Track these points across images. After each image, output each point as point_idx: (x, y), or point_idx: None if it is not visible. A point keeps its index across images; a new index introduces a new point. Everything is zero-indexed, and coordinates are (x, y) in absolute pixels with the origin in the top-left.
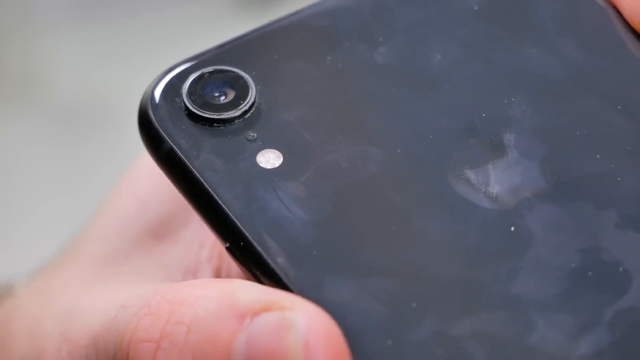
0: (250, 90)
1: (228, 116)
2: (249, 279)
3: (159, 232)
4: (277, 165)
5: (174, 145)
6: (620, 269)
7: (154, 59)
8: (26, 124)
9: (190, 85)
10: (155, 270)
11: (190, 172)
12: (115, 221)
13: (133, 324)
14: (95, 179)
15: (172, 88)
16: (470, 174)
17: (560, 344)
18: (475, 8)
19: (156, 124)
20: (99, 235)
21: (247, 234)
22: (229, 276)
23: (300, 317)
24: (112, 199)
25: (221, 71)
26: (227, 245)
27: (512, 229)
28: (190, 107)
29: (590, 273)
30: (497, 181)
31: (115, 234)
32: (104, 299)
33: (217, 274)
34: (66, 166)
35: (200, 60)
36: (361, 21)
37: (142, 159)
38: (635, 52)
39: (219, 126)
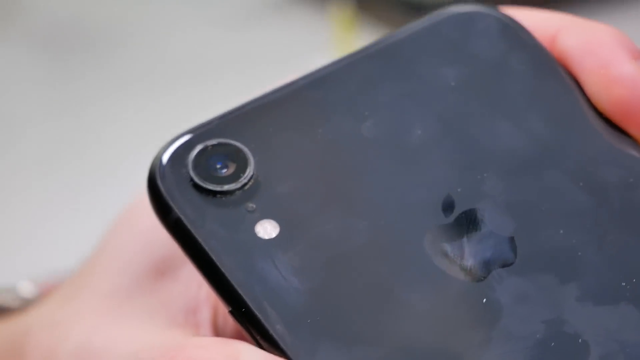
0: (249, 162)
1: (229, 188)
2: (248, 340)
3: (161, 269)
4: (273, 235)
5: (181, 214)
6: (580, 340)
7: None
8: (8, 49)
9: (194, 158)
10: (159, 310)
11: (196, 240)
12: (119, 257)
13: None
14: (84, 108)
15: (178, 158)
16: (447, 247)
17: None
18: (452, 84)
19: (165, 193)
20: (104, 270)
21: (247, 302)
22: (225, 315)
23: None
24: (114, 233)
25: (223, 144)
26: (230, 309)
27: (484, 300)
28: (196, 180)
29: (552, 344)
30: (471, 254)
31: (120, 270)
32: (117, 342)
33: (215, 312)
34: (53, 94)
35: (204, 131)
36: (349, 95)
37: (144, 193)
38: (596, 129)
39: (221, 197)
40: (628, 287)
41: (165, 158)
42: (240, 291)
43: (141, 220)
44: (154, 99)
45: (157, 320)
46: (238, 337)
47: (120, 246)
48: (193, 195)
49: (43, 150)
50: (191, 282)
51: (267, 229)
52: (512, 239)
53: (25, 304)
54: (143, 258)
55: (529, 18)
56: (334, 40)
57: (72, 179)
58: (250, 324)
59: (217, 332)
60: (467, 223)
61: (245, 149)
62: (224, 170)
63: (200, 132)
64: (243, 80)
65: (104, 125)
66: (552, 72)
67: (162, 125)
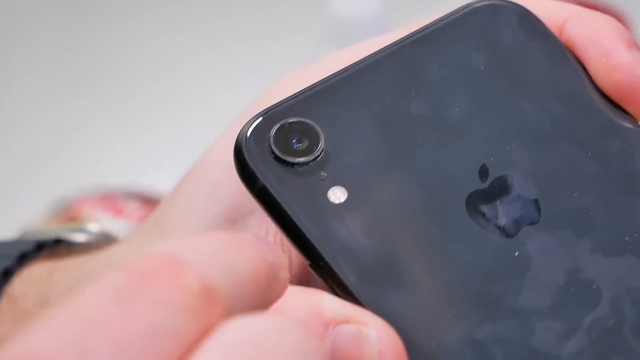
0: (320, 138)
1: (305, 160)
2: (325, 289)
3: (231, 217)
4: (343, 200)
5: (266, 183)
6: (594, 286)
7: None
8: None
9: (275, 134)
10: None
11: (279, 205)
12: (194, 206)
13: None
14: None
15: (260, 135)
16: (484, 209)
17: (553, 345)
18: (482, 67)
19: (251, 165)
20: (181, 216)
21: (325, 257)
22: (290, 258)
23: (373, 332)
24: (187, 185)
25: (298, 122)
26: (309, 263)
27: (516, 253)
28: (277, 153)
29: (572, 289)
30: (504, 214)
31: (197, 217)
32: None
33: None
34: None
35: (281, 111)
36: (398, 77)
37: (213, 148)
38: (600, 108)
39: (298, 168)
40: (630, 241)
41: (249, 134)
42: (318, 248)
43: (211, 174)
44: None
45: None
46: (303, 281)
47: (194, 197)
48: (275, 166)
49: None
50: (259, 230)
51: (337, 195)
52: (536, 201)
53: (96, 238)
54: (216, 207)
55: (540, 7)
56: None
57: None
58: (327, 276)
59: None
60: (500, 188)
61: (317, 126)
62: (300, 145)
63: (278, 111)
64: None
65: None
66: (563, 58)
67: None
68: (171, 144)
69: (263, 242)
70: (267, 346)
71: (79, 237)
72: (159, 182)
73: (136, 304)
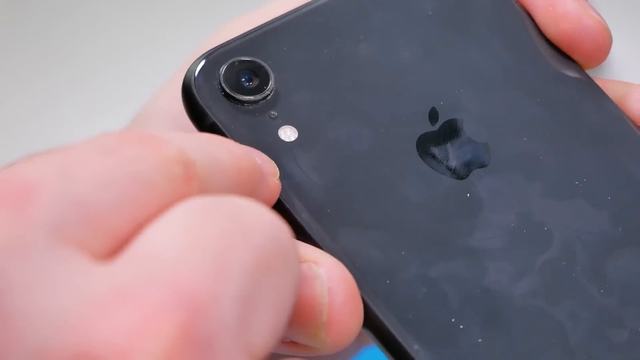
0: (270, 77)
1: (255, 99)
2: None
3: None
4: (293, 139)
5: (216, 120)
6: (545, 228)
7: None
8: None
9: (225, 72)
10: None
11: None
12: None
13: None
14: None
15: (210, 72)
16: (435, 151)
17: (506, 284)
18: (429, 13)
19: (200, 102)
20: None
21: (278, 195)
22: None
23: (323, 269)
24: (145, 117)
25: (248, 61)
26: None
27: (468, 195)
28: (227, 90)
29: (524, 231)
30: (454, 157)
31: None
32: None
33: None
34: None
35: (231, 49)
36: (347, 20)
37: (156, 98)
38: (547, 55)
39: (248, 106)
40: (580, 185)
41: (198, 72)
42: None
43: (157, 123)
44: None
45: None
46: None
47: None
48: (224, 103)
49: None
50: None
51: (287, 133)
52: (486, 145)
53: None
54: None
55: None
56: None
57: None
58: (280, 213)
59: None
60: (450, 131)
61: (266, 65)
62: (250, 84)
63: (227, 50)
64: None
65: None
66: (510, 7)
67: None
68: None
69: (252, 149)
70: (241, 215)
71: None
72: None
73: (120, 155)
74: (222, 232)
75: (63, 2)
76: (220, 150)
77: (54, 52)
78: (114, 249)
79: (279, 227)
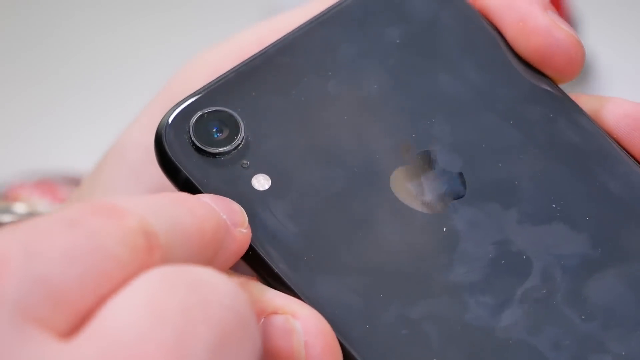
0: (240, 125)
1: (226, 150)
2: (256, 278)
3: None
4: (267, 187)
5: (189, 175)
6: (524, 257)
7: None
8: None
9: (194, 125)
10: None
11: None
12: (114, 188)
13: None
14: None
15: (179, 126)
16: (410, 186)
17: (487, 318)
18: (397, 41)
19: (173, 158)
20: (103, 197)
21: (253, 246)
22: None
23: (299, 323)
24: (107, 165)
25: (216, 111)
26: None
27: (444, 229)
28: (198, 144)
29: (502, 261)
30: (429, 190)
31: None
32: None
33: None
34: None
35: (198, 101)
36: (313, 57)
37: (131, 128)
38: (519, 73)
39: (220, 157)
40: (558, 207)
41: (168, 127)
42: None
43: (131, 156)
44: None
45: None
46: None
47: (114, 180)
48: (197, 158)
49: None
50: None
51: (261, 182)
52: (461, 174)
53: (19, 219)
54: (138, 189)
55: None
56: None
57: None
58: (257, 265)
59: None
60: (423, 164)
61: (235, 114)
62: (220, 134)
63: (195, 102)
64: None
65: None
66: (478, 25)
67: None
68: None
69: (219, 200)
70: (201, 288)
71: (6, 218)
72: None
73: (83, 228)
74: (182, 308)
75: (59, 6)
76: (183, 214)
77: (50, 57)
78: (78, 325)
79: (239, 297)
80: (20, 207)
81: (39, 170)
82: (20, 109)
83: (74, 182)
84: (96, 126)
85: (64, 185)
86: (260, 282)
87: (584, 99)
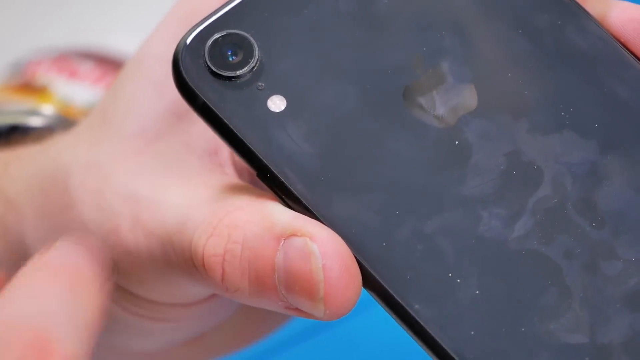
0: (254, 48)
1: (242, 73)
2: (274, 198)
3: (177, 111)
4: (282, 108)
5: (206, 99)
6: (535, 166)
7: None
8: None
9: (209, 49)
10: (187, 151)
11: (222, 120)
12: (138, 101)
13: (203, 241)
14: None
15: (195, 51)
16: (422, 100)
17: (500, 230)
18: None
19: (190, 83)
20: (127, 112)
21: (271, 168)
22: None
23: (317, 245)
24: (129, 78)
25: (230, 34)
26: (257, 173)
27: (457, 142)
28: (213, 68)
29: (514, 172)
30: (441, 104)
31: (143, 113)
32: (165, 194)
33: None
34: None
35: (212, 23)
36: None
37: (150, 41)
38: None
39: (236, 80)
40: (567, 115)
41: (184, 53)
42: (264, 160)
43: (152, 70)
44: None
45: (190, 165)
46: (250, 173)
47: (137, 93)
48: (213, 82)
49: None
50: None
51: (276, 103)
52: (472, 86)
53: (47, 122)
54: (161, 103)
55: None
56: None
57: None
58: (275, 186)
59: (236, 167)
60: (434, 77)
61: (249, 36)
62: (235, 57)
63: (209, 25)
64: None
65: None
66: None
67: None
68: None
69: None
70: None
71: (35, 122)
72: (112, 41)
73: None
74: None
75: None
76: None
77: None
78: None
79: None
80: (47, 109)
81: (57, 47)
82: None
83: (92, 57)
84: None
85: (81, 61)
86: (280, 202)
87: (590, 3)
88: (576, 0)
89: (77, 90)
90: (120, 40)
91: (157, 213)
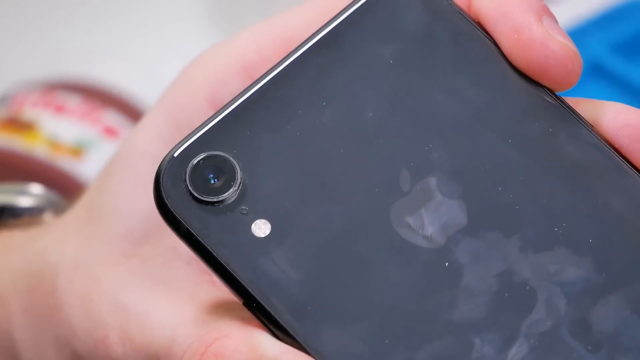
0: (236, 170)
1: (224, 197)
2: (262, 327)
3: None
4: (267, 233)
5: (189, 226)
6: (527, 287)
7: None
8: None
9: (189, 174)
10: (170, 256)
11: (205, 248)
12: (124, 199)
13: None
14: None
15: (176, 175)
16: (410, 220)
17: (493, 357)
18: (390, 62)
19: (172, 210)
20: (112, 209)
21: (257, 298)
22: None
23: None
24: (115, 173)
25: (211, 157)
26: (243, 302)
27: (447, 264)
28: (195, 194)
29: (506, 294)
30: (429, 223)
31: (128, 211)
32: (152, 309)
33: None
34: None
35: (193, 144)
36: (305, 88)
37: (135, 137)
38: (516, 86)
39: (218, 205)
40: (560, 231)
41: (165, 177)
42: (249, 289)
43: (138, 167)
44: None
45: (176, 272)
46: None
47: (124, 190)
48: (195, 207)
49: None
50: None
51: (261, 228)
52: (460, 203)
53: (37, 202)
54: (147, 202)
55: None
56: None
57: None
58: (262, 316)
59: None
60: (422, 194)
61: (231, 158)
62: (217, 181)
63: (189, 147)
64: None
65: None
66: (473, 37)
67: None
68: (115, 32)
69: None
70: None
71: (24, 202)
72: (102, 72)
73: None
74: None
75: None
76: None
77: None
78: None
79: None
80: (35, 188)
81: (43, 78)
82: (20, 15)
83: (80, 90)
84: (103, 31)
85: (68, 95)
86: (268, 332)
87: (582, 105)
88: (568, 103)
89: (64, 127)
90: (109, 70)
91: (145, 329)
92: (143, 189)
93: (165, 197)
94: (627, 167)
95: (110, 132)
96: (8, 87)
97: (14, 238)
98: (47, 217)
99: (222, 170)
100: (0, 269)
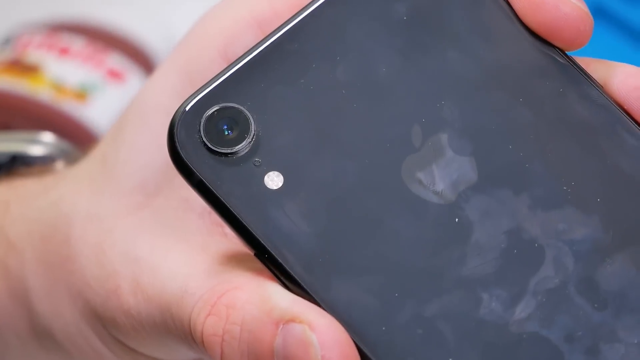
0: (250, 121)
1: (238, 148)
2: (273, 278)
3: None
4: (280, 185)
5: (202, 177)
6: (535, 245)
7: None
8: None
9: (204, 125)
10: (183, 208)
11: (218, 199)
12: (138, 152)
13: (201, 319)
14: None
15: (190, 126)
16: (421, 175)
17: (501, 313)
18: (404, 19)
19: (186, 160)
20: (125, 161)
21: (269, 249)
22: None
23: (316, 335)
24: (129, 126)
25: (225, 108)
26: (254, 253)
27: (457, 220)
28: (209, 145)
29: (515, 251)
30: (440, 179)
31: (141, 164)
32: (163, 259)
33: None
34: None
35: (207, 95)
36: (320, 42)
37: (149, 89)
38: (527, 46)
39: (232, 157)
40: (569, 190)
41: (179, 127)
42: (262, 240)
43: (152, 120)
44: None
45: (189, 224)
46: None
47: (138, 143)
48: (209, 158)
49: None
50: None
51: (274, 180)
52: (471, 160)
53: (48, 151)
54: (160, 155)
55: None
56: None
57: None
58: (273, 267)
59: None
60: (434, 150)
61: (245, 110)
62: (231, 132)
63: (203, 99)
64: None
65: None
66: None
67: None
68: None
69: None
70: None
71: (35, 150)
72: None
73: None
74: None
75: None
76: None
77: None
78: None
79: None
80: (47, 137)
81: (48, 20)
82: None
83: (85, 32)
84: None
85: (73, 37)
86: (279, 284)
87: (593, 65)
88: (578, 64)
89: (68, 70)
90: (114, 13)
91: (156, 279)
92: (156, 142)
93: (179, 148)
94: (635, 128)
95: (114, 74)
96: (13, 29)
97: (27, 187)
98: (59, 165)
99: (236, 122)
100: (14, 219)
